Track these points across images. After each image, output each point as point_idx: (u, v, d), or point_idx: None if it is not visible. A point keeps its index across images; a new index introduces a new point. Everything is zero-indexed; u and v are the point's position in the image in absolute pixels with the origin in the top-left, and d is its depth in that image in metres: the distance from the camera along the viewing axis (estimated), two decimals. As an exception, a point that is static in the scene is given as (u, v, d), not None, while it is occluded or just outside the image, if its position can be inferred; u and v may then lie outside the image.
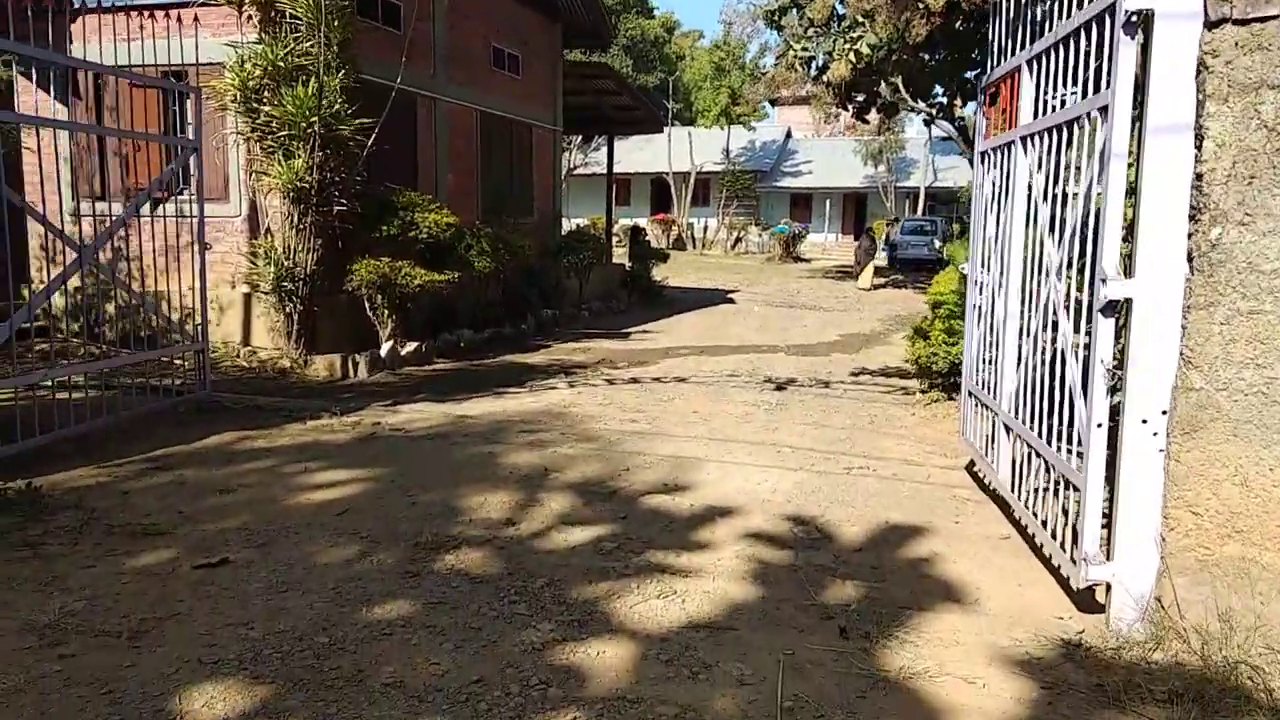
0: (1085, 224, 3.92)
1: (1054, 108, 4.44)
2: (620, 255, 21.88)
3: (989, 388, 5.46)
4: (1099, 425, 3.62)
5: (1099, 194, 3.69)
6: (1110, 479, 3.65)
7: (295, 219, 10.02)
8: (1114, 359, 3.61)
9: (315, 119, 9.54)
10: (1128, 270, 3.52)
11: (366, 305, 10.60)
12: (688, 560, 4.38)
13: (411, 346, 10.84)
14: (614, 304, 17.56)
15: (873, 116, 29.04)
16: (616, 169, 48.54)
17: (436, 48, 12.38)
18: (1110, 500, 3.66)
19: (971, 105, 26.72)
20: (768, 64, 44.80)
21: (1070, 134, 4.08)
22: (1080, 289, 4.05)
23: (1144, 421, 3.47)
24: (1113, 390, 3.62)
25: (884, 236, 42.26)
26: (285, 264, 9.96)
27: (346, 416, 7.48)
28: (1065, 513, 4.05)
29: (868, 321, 17.42)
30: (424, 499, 5.28)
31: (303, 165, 9.67)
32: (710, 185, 46.74)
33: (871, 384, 10.10)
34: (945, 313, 8.75)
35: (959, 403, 8.24)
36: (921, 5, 19.87)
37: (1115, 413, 3.61)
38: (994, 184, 5.57)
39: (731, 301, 20.67)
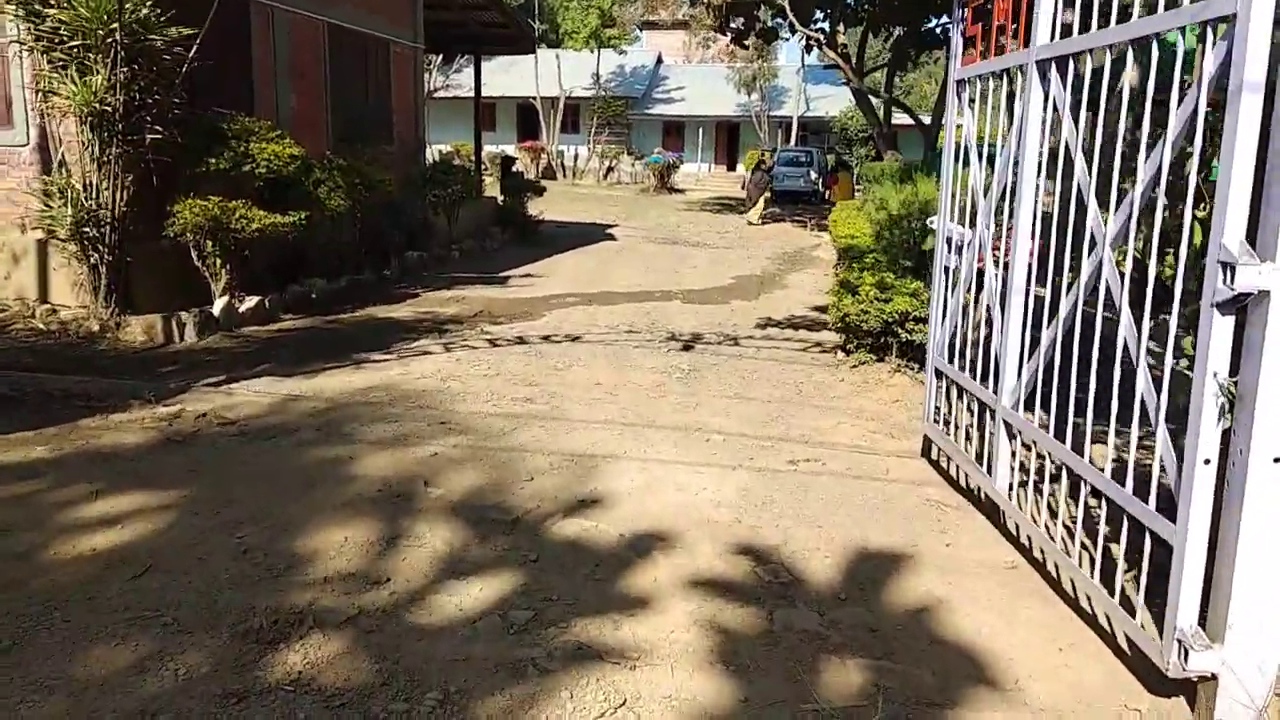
0: (1156, 182, 2.91)
1: (1098, 23, 3.38)
2: (491, 187, 20.17)
3: (976, 372, 4.50)
4: (1205, 461, 2.65)
5: (1202, 144, 2.67)
6: (1212, 531, 2.71)
7: (97, 150, 8.10)
8: (1228, 373, 2.63)
9: (116, 26, 7.63)
10: (1258, 249, 2.52)
11: (194, 253, 8.83)
12: (630, 634, 3.24)
13: (252, 302, 9.16)
14: (487, 243, 16.01)
15: (750, 42, 27.99)
16: (481, 93, 46.21)
17: (270, -57, 10.41)
18: (1211, 559, 2.72)
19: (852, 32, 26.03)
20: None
21: (1147, 56, 3.01)
22: (1141, 268, 3.06)
23: (1277, 460, 2.52)
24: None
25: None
26: (87, 205, 8.07)
27: (163, 405, 5.92)
28: (1087, 536, 3.11)
29: (757, 260, 16.53)
30: (257, 540, 3.92)
31: (102, 84, 7.76)
32: (580, 111, 44.80)
33: (782, 339, 9.15)
34: (871, 262, 7.82)
35: (890, 366, 7.39)
36: (811, -80, 18.75)
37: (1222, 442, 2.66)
38: (980, 122, 4.53)
39: (612, 238, 19.41)
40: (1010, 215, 4.10)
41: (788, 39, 28.27)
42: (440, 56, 42.96)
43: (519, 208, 17.92)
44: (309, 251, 10.55)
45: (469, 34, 18.00)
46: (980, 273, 4.47)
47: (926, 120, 20.61)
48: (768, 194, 24.14)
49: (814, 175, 33.28)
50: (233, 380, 6.72)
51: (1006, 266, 4.12)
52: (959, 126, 4.77)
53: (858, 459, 5.30)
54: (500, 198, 18.70)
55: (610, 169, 41.47)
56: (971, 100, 4.66)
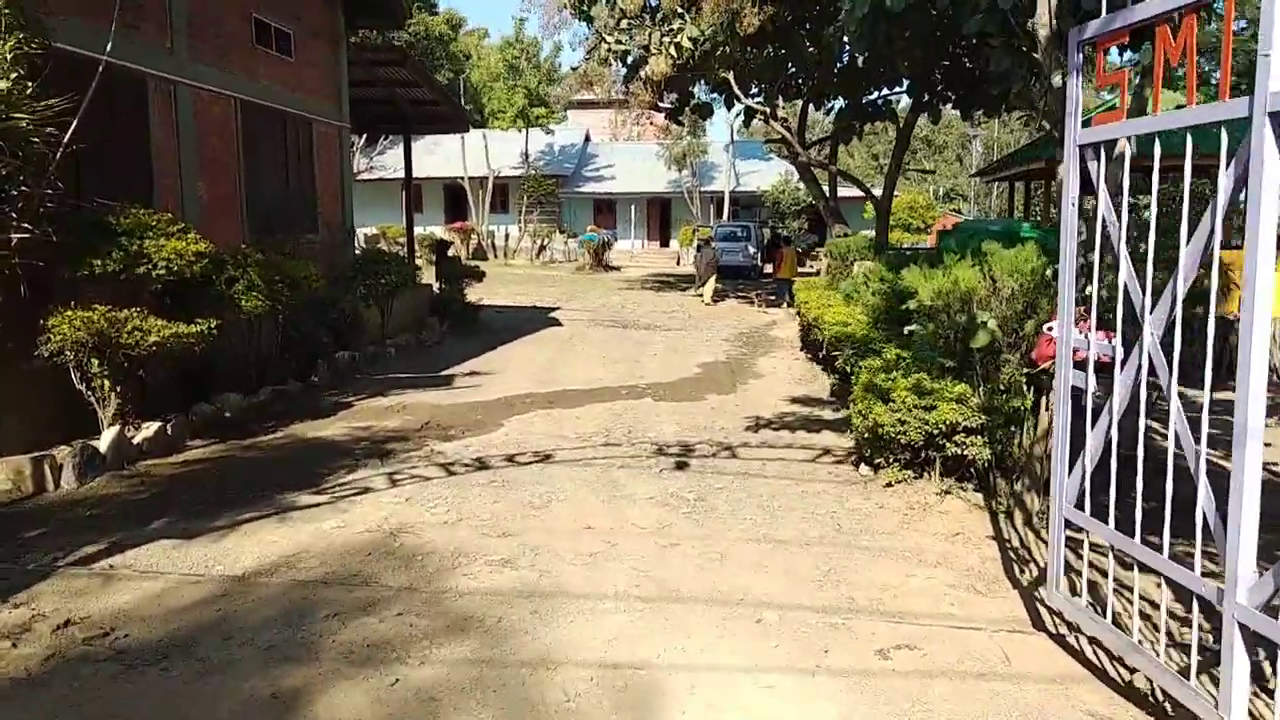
0: None
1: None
2: (425, 273, 18.80)
3: (1151, 538, 3.28)
4: None
5: None
6: None
7: (-53, 251, 6.58)
8: None
9: (-33, 102, 6.20)
10: None
11: (76, 375, 7.25)
12: None
13: (151, 429, 7.58)
14: (425, 336, 14.58)
15: (684, 118, 27.47)
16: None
17: (174, 14, 9.07)
18: None
19: (791, 105, 25.68)
20: (567, 62, 42.62)
21: None
22: None
23: None
24: None
25: (693, 241, 41.17)
26: (-67, 320, 6.52)
27: (9, 606, 4.34)
28: None
29: (717, 344, 15.43)
30: None
31: (-48, 170, 6.29)
32: (509, 190, 43.94)
33: (784, 446, 7.92)
34: (892, 358, 6.68)
35: (934, 486, 6.19)
36: (753, -9, 18.22)
37: None
38: (1127, 195, 3.42)
39: (558, 323, 18.15)
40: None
41: (713, 114, 27.81)
42: (364, 138, 41.82)
43: (458, 296, 16.58)
44: (223, 361, 9.03)
45: (398, 113, 16.82)
46: (1154, 403, 3.30)
47: (878, 191, 20.05)
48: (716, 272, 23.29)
49: (752, 250, 32.77)
50: (116, 550, 5.15)
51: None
52: (1081, 204, 3.66)
53: (962, 640, 4.03)
54: (436, 285, 17.34)
55: (543, 248, 40.46)
56: (1107, 167, 3.55)
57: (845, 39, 18.29)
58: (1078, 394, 3.74)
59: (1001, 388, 5.89)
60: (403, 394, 10.36)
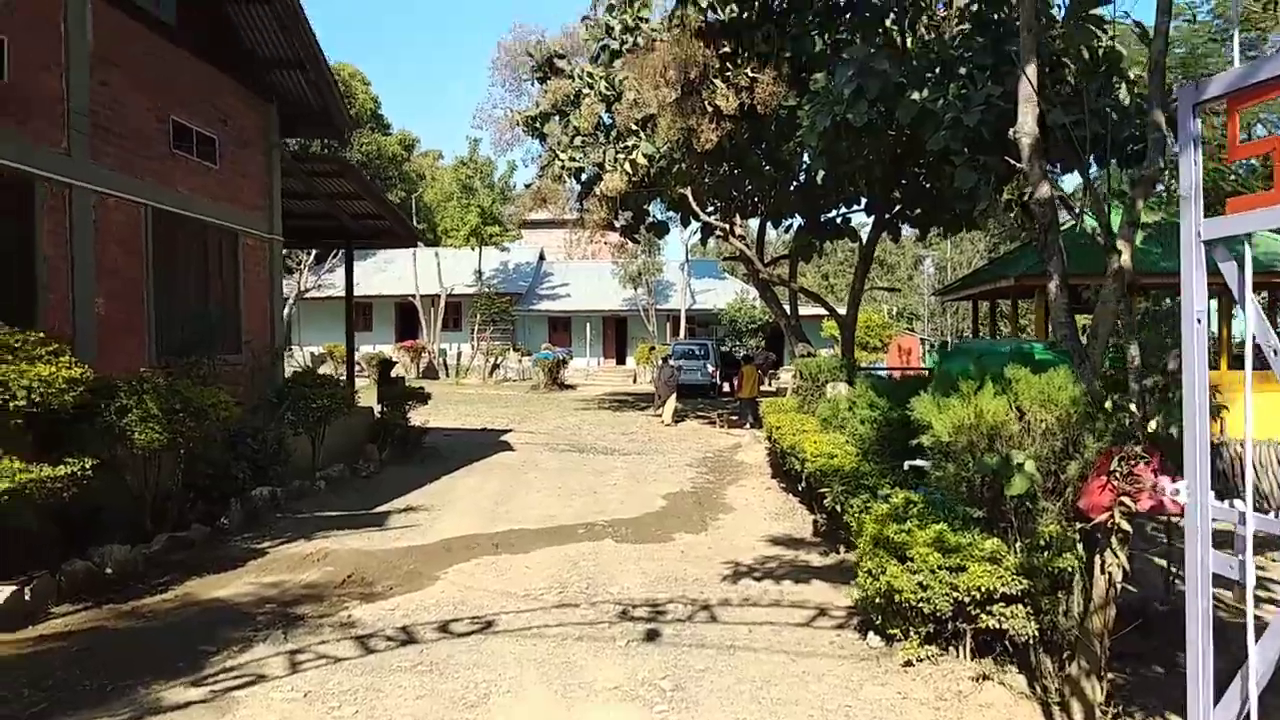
0: None
1: None
2: (368, 394, 17.56)
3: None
4: None
5: None
6: None
7: None
8: None
9: None
10: None
11: (-93, 530, 5.90)
12: None
13: (4, 593, 6.19)
14: (362, 466, 13.24)
15: (640, 236, 27.11)
16: (356, 291, 44.04)
17: (72, 111, 8.09)
18: None
19: (752, 223, 25.38)
20: (521, 180, 42.69)
21: None
22: None
23: None
24: None
25: (649, 359, 40.47)
26: None
27: None
28: None
29: (681, 470, 14.30)
30: None
31: None
32: (462, 309, 43.15)
33: (770, 604, 6.73)
34: (921, 513, 5.61)
35: (968, 668, 5.03)
36: (711, 108, 17.94)
37: None
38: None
39: (509, 447, 16.92)
40: None
41: (669, 232, 27.47)
42: (312, 255, 40.98)
43: (401, 420, 15.32)
44: (110, 505, 7.67)
45: (339, 227, 15.90)
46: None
47: (842, 310, 19.47)
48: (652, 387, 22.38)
49: (710, 368, 32.06)
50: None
51: None
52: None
53: None
54: (378, 408, 16.09)
55: (496, 366, 39.42)
56: (1224, 267, 2.59)
57: (805, 155, 18.01)
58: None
59: (1041, 543, 4.84)
60: (327, 537, 9.02)
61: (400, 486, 12.19)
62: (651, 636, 5.85)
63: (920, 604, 4.86)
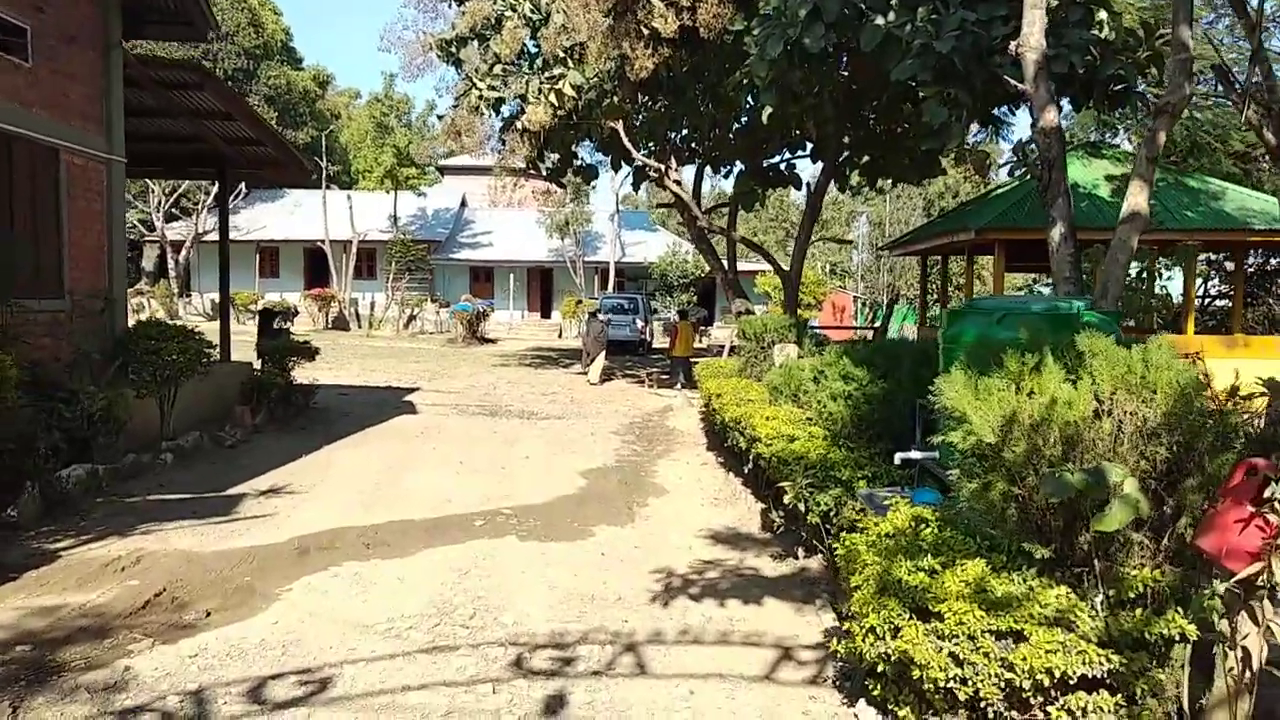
0: None
1: None
2: (245, 347, 15.36)
3: None
4: None
5: None
6: None
7: None
8: None
9: None
10: None
11: None
12: None
13: None
14: (227, 433, 11.17)
15: (566, 180, 25.06)
16: (261, 235, 40.90)
17: None
18: None
19: (689, 171, 23.52)
20: (441, 110, 40.00)
21: None
22: None
23: None
24: None
25: (576, 314, 38.53)
26: None
27: None
28: None
29: (605, 439, 12.62)
30: None
31: None
32: (376, 256, 40.50)
33: (717, 639, 5.08)
34: (945, 541, 3.99)
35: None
36: (647, 31, 15.98)
37: None
38: None
39: (413, 409, 14.98)
40: None
41: (598, 176, 25.46)
42: (211, 195, 37.76)
43: (280, 378, 13.23)
44: None
45: (213, 153, 13.58)
46: None
47: (786, 265, 17.86)
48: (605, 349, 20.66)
49: (640, 324, 30.38)
50: None
51: None
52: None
53: None
54: (257, 364, 13.97)
55: (412, 318, 37.06)
56: None
57: (749, 91, 16.19)
58: None
59: (1131, 596, 3.25)
60: (150, 532, 7.08)
61: (268, 459, 10.22)
62: (552, 709, 4.13)
63: (953, 686, 3.23)
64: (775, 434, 6.81)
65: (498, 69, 19.06)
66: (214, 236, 38.35)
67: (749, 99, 16.51)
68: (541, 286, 42.74)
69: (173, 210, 38.03)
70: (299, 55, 49.95)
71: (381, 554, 6.76)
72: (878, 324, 24.80)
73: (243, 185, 39.86)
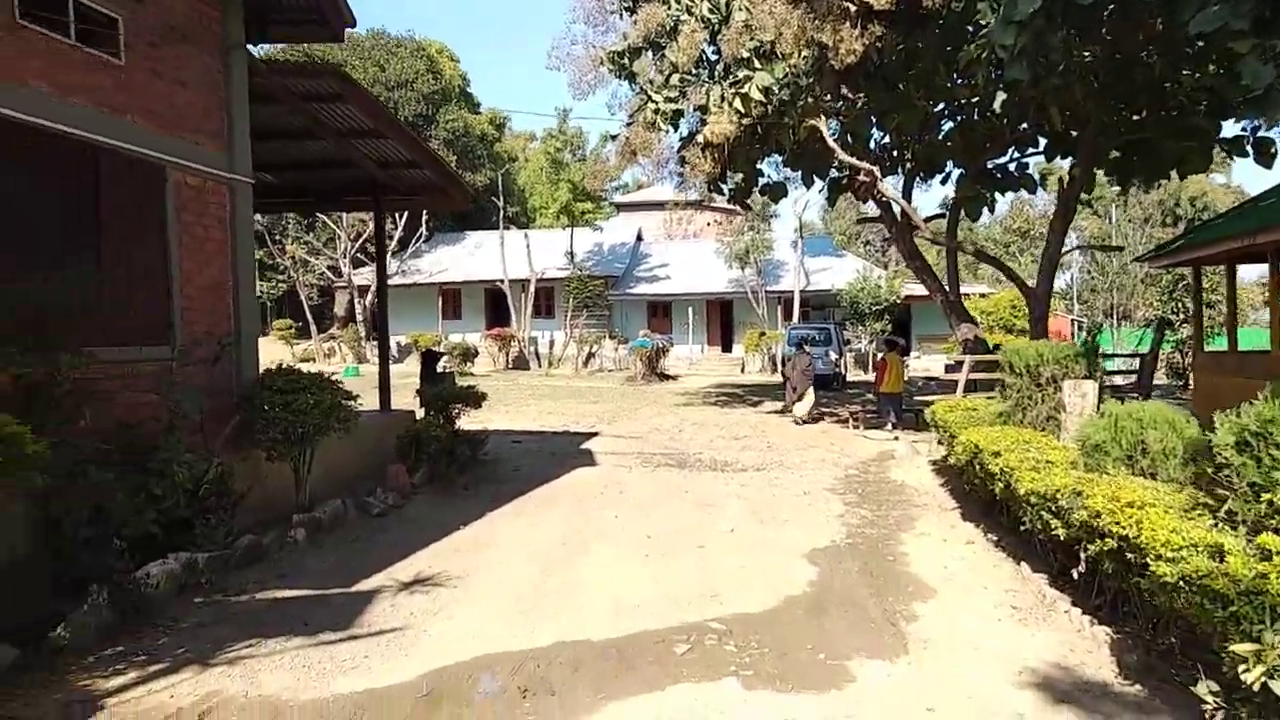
0: None
1: None
2: (406, 394, 13.84)
3: None
4: None
5: None
6: None
7: None
8: None
9: None
10: None
11: None
12: None
13: None
14: (378, 497, 9.42)
15: (752, 201, 22.73)
16: (443, 277, 40.80)
17: None
18: None
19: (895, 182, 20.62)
20: (612, 154, 38.81)
21: None
22: None
23: None
24: None
25: (759, 347, 36.00)
26: None
27: None
28: None
29: (822, 499, 10.07)
30: None
31: None
32: (554, 294, 39.53)
33: None
34: None
35: None
36: (854, 8, 13.46)
37: None
38: None
39: (591, 460, 12.94)
40: None
41: (786, 195, 22.94)
42: (395, 239, 38.03)
43: (444, 428, 11.48)
44: None
45: (366, 179, 12.16)
46: None
47: (1031, 281, 14.70)
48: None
49: (833, 356, 27.46)
50: None
51: None
52: None
53: None
54: (420, 412, 12.36)
55: (591, 355, 35.72)
56: None
57: (990, 66, 13.29)
58: None
59: None
60: (239, 659, 5.17)
61: (418, 534, 8.33)
62: None
63: None
64: (1184, 541, 4.04)
65: (674, 79, 17.07)
66: (399, 280, 38.64)
67: (977, 82, 13.62)
68: (721, 319, 40.49)
69: (358, 255, 38.51)
70: (475, 100, 50.47)
71: (541, 708, 4.53)
72: (1141, 350, 20.80)
73: (423, 229, 40.05)
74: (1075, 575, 5.92)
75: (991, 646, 5.45)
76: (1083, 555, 5.66)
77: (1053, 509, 5.82)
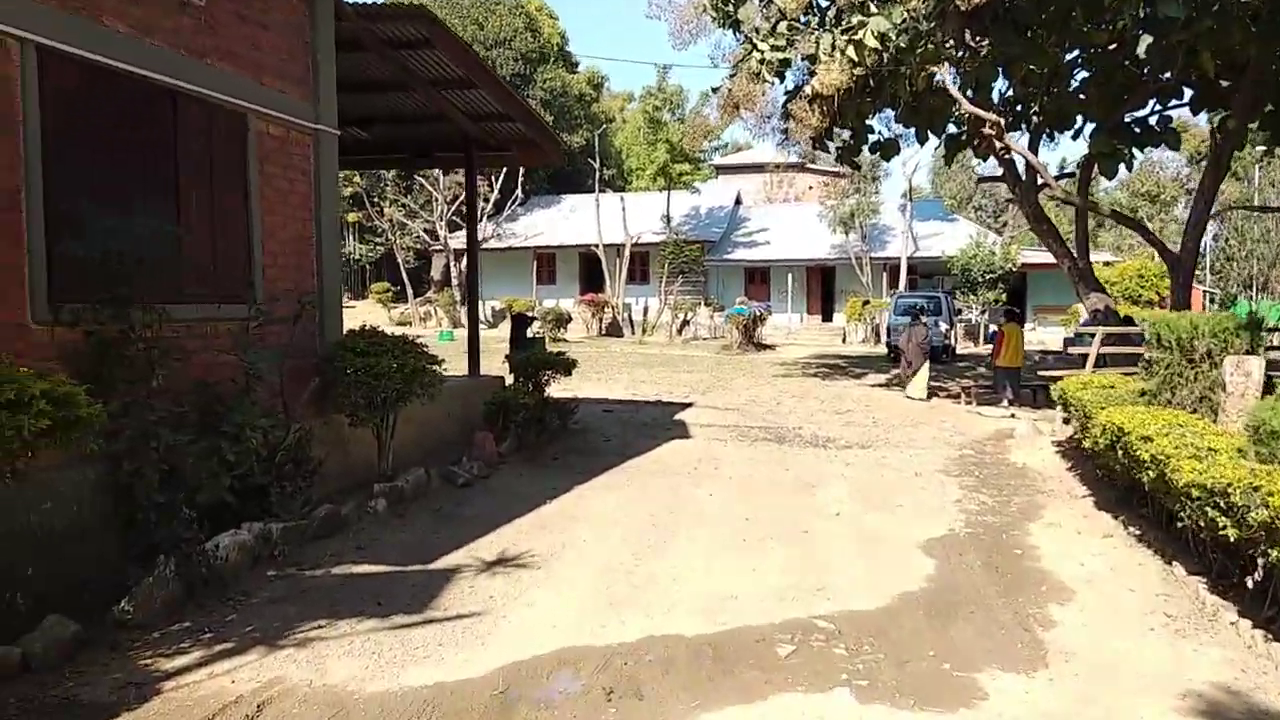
0: None
1: None
2: (498, 359, 13.49)
3: None
4: None
5: None
6: None
7: None
8: None
9: None
10: None
11: None
12: None
13: None
14: (462, 467, 9.05)
15: (861, 160, 21.58)
16: (538, 241, 40.65)
17: None
18: None
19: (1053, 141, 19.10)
20: (714, 113, 37.67)
21: None
22: None
23: None
24: None
25: (861, 316, 34.72)
26: None
27: None
28: None
29: (934, 483, 9.28)
30: None
31: None
32: (649, 259, 38.87)
33: None
34: None
35: None
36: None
37: None
38: None
39: (684, 432, 12.37)
40: None
41: (899, 152, 21.69)
42: (490, 201, 37.96)
43: (532, 395, 11.09)
44: None
45: (458, 134, 11.74)
46: None
47: (1174, 246, 13.38)
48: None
49: (944, 327, 26.10)
50: None
51: None
52: None
53: None
54: (509, 378, 11.99)
55: (685, 323, 35.07)
56: None
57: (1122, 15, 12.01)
58: None
59: None
60: (307, 642, 4.81)
61: (504, 506, 7.92)
62: None
63: None
64: None
65: (782, 26, 16.09)
66: (494, 244, 38.62)
67: (1122, 24, 12.29)
68: (822, 287, 39.20)
69: (454, 219, 38.60)
70: (574, 59, 49.86)
71: (626, 714, 4.00)
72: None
73: (518, 192, 39.82)
74: (1249, 583, 5.05)
75: (1146, 662, 4.67)
76: (1260, 561, 4.80)
77: (1222, 505, 4.97)
